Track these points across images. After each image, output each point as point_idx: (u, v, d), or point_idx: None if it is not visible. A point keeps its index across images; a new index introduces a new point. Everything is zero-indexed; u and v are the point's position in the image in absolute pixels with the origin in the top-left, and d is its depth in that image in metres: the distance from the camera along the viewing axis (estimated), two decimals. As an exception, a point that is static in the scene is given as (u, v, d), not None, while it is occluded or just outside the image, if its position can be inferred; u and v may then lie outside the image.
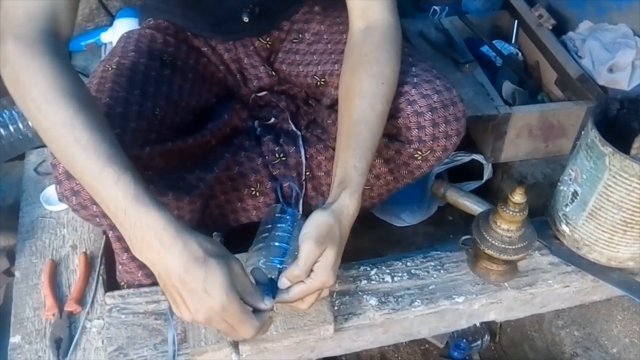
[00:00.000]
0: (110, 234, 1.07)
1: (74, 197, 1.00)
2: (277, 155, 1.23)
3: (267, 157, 1.23)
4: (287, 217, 1.05)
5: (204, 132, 1.19)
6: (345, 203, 0.94)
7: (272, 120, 1.31)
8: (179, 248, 0.82)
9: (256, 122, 1.31)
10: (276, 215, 1.07)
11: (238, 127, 1.28)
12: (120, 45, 1.22)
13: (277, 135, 1.27)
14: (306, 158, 1.24)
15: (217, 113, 1.27)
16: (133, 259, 1.10)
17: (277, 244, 1.01)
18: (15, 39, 0.88)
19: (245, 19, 1.23)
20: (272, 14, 1.30)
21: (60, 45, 0.91)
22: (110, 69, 1.14)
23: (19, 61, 0.87)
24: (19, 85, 0.88)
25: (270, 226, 1.05)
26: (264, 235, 1.04)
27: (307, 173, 1.25)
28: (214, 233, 1.14)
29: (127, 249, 1.08)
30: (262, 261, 0.99)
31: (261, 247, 1.02)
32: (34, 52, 0.87)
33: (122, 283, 1.17)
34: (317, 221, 0.92)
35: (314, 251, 0.90)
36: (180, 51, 1.26)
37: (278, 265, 0.98)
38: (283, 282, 0.92)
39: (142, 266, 1.12)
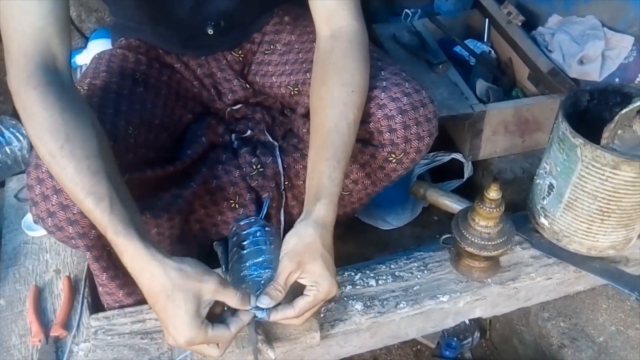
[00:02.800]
0: (88, 254, 1.06)
1: (49, 219, 1.00)
2: (254, 167, 1.23)
3: (244, 169, 1.23)
4: (256, 230, 1.07)
5: (184, 159, 1.20)
6: (322, 215, 0.96)
7: (249, 132, 1.31)
8: (147, 279, 0.87)
9: (233, 136, 1.31)
10: (244, 230, 1.08)
11: (215, 142, 1.28)
12: (92, 67, 1.23)
13: (254, 147, 1.28)
14: (284, 168, 1.24)
15: (192, 131, 1.27)
16: (112, 278, 1.10)
17: (254, 260, 1.02)
18: (15, 74, 0.93)
19: (210, 32, 1.24)
20: (240, 26, 1.30)
21: (56, 75, 0.94)
22: (82, 90, 1.14)
23: (20, 95, 0.93)
24: (23, 117, 0.93)
25: (240, 241, 1.06)
26: (237, 251, 1.05)
27: (286, 182, 1.25)
28: (215, 242, 1.14)
29: (105, 269, 1.08)
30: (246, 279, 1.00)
31: (239, 267, 1.03)
32: (28, 86, 0.92)
33: (106, 304, 1.17)
34: (295, 239, 0.95)
35: (289, 268, 0.93)
36: (152, 69, 1.26)
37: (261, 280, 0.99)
38: (263, 300, 0.93)
39: (122, 285, 1.12)
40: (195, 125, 1.29)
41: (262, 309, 0.93)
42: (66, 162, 0.88)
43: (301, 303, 0.94)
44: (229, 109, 1.35)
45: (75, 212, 0.99)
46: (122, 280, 1.12)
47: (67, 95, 0.94)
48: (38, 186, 1.00)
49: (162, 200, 1.13)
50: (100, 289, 1.13)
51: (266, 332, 1.03)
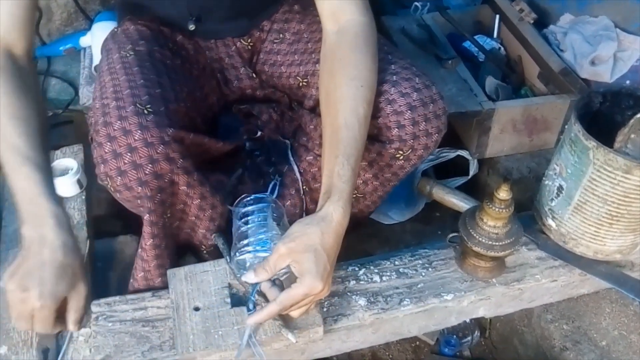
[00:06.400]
0: (146, 217, 1.05)
1: (119, 177, 0.99)
2: (272, 177, 1.23)
3: (265, 178, 1.24)
4: (255, 210, 1.07)
5: (232, 141, 1.21)
6: (329, 211, 0.95)
7: (259, 134, 1.31)
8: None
9: (244, 136, 1.31)
10: (240, 213, 1.08)
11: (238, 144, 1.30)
12: (122, 37, 1.22)
13: (268, 152, 1.27)
14: (300, 173, 1.23)
15: (225, 120, 1.28)
16: (155, 247, 1.10)
17: (256, 237, 1.04)
18: None
19: (191, 27, 1.25)
20: (248, 14, 1.29)
21: (9, 60, 1.02)
22: (128, 55, 1.14)
23: None
24: None
25: (245, 217, 1.07)
26: (239, 233, 1.06)
27: (304, 187, 1.24)
28: (214, 234, 1.13)
29: (153, 236, 1.08)
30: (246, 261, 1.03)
31: (242, 244, 1.05)
32: None
33: (133, 280, 1.16)
34: (298, 227, 0.96)
35: (280, 251, 0.94)
36: (176, 43, 1.26)
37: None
38: (248, 275, 0.96)
39: (157, 256, 1.11)
40: (224, 117, 1.29)
41: (249, 310, 0.97)
42: (9, 136, 0.96)
43: (283, 296, 0.94)
44: (235, 105, 1.33)
45: (147, 172, 0.98)
46: (160, 251, 1.11)
47: (19, 78, 1.02)
48: (109, 143, 0.99)
49: (209, 180, 1.12)
50: (139, 250, 1.13)
51: (284, 317, 1.02)
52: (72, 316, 0.97)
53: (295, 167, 1.23)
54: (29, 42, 1.07)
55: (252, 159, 1.27)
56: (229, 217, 1.16)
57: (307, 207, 1.24)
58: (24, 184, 0.94)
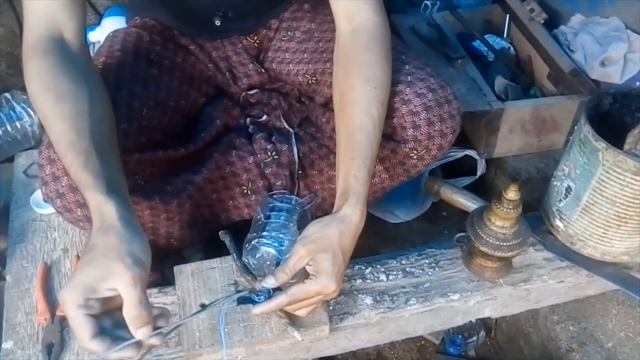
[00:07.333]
0: None
1: (58, 200, 1.00)
2: (269, 154, 1.21)
3: (259, 155, 1.22)
4: (283, 206, 1.06)
5: (197, 141, 1.18)
6: (348, 214, 0.95)
7: (264, 117, 1.30)
8: (94, 230, 0.83)
9: (248, 120, 1.30)
10: (269, 205, 1.07)
11: (229, 125, 1.27)
12: (107, 45, 1.21)
13: (269, 133, 1.26)
14: (299, 156, 1.23)
15: (207, 114, 1.25)
16: None
17: (272, 234, 1.02)
18: (23, 47, 0.98)
19: (217, 22, 1.23)
20: (255, 14, 1.29)
21: (58, 44, 0.97)
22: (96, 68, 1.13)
23: (24, 65, 0.96)
24: (26, 84, 0.96)
25: (266, 216, 1.05)
26: (260, 224, 1.05)
27: (300, 172, 1.24)
28: (221, 232, 1.13)
29: None
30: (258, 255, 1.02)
31: (258, 237, 1.03)
32: (28, 56, 0.96)
33: None
34: (316, 227, 0.95)
35: (300, 253, 0.93)
36: (167, 50, 1.24)
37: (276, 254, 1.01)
38: (268, 281, 0.94)
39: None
40: (210, 107, 1.27)
41: (260, 296, 0.94)
42: (55, 121, 0.90)
43: (294, 289, 0.94)
44: (244, 94, 1.33)
45: None
46: None
47: (68, 61, 0.96)
48: (49, 166, 1.00)
49: (172, 185, 1.12)
50: None
51: (290, 316, 1.02)
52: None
53: (295, 149, 1.22)
54: (81, 21, 1.00)
55: (247, 138, 1.25)
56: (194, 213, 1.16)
57: (300, 192, 1.23)
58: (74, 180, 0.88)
